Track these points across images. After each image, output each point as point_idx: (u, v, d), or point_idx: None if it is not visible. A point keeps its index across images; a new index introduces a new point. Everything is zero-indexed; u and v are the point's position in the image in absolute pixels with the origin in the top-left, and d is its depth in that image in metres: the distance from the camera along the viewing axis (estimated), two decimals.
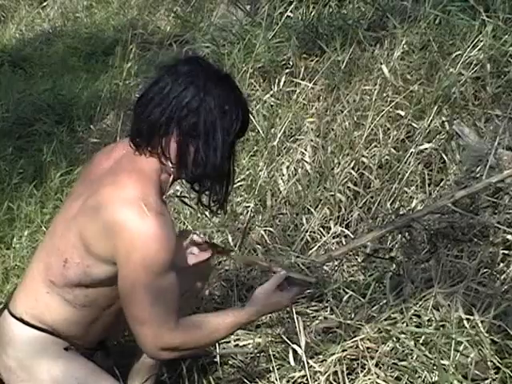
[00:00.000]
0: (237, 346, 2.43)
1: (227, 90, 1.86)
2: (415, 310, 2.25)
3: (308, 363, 2.08)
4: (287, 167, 3.24)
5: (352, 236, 2.89)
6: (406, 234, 2.69)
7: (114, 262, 1.79)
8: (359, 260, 2.83)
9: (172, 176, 1.87)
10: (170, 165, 1.84)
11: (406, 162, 3.00)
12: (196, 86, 1.81)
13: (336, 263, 2.78)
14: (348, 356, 2.12)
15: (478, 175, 2.85)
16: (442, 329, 2.14)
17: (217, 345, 2.33)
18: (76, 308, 1.90)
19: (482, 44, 3.17)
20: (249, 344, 2.41)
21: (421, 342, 2.12)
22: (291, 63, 3.73)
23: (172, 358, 1.88)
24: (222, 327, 1.88)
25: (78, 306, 1.90)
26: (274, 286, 1.92)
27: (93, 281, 1.86)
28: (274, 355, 2.15)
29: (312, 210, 3.01)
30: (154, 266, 1.74)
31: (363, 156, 3.09)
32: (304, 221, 2.98)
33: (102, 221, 1.77)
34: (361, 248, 2.73)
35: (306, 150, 3.26)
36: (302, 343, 2.09)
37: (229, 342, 2.43)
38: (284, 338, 2.25)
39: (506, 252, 2.50)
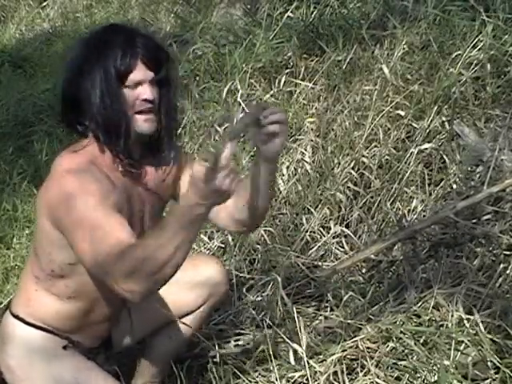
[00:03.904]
0: (237, 345, 2.43)
1: (103, 27, 1.86)
2: (415, 310, 2.25)
3: (308, 363, 2.08)
4: (287, 167, 3.24)
5: (352, 236, 2.89)
6: (410, 245, 2.69)
7: (62, 237, 1.76)
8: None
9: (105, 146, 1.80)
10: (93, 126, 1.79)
11: (406, 162, 3.00)
12: None
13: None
14: (348, 356, 2.12)
15: (478, 176, 2.86)
16: (442, 328, 2.14)
17: (217, 345, 2.33)
18: (64, 301, 1.90)
19: (482, 44, 3.17)
20: (249, 344, 2.41)
21: (421, 341, 2.12)
22: (291, 63, 3.73)
23: (142, 289, 1.60)
24: (167, 230, 1.55)
25: (65, 298, 1.90)
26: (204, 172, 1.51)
27: (62, 269, 1.84)
28: (274, 355, 2.15)
29: (312, 210, 3.00)
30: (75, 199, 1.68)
31: (363, 156, 3.09)
32: (304, 221, 2.98)
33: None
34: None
35: (306, 150, 3.26)
36: (303, 343, 2.09)
37: (229, 341, 2.43)
38: (284, 337, 2.24)
39: (507, 253, 2.50)
